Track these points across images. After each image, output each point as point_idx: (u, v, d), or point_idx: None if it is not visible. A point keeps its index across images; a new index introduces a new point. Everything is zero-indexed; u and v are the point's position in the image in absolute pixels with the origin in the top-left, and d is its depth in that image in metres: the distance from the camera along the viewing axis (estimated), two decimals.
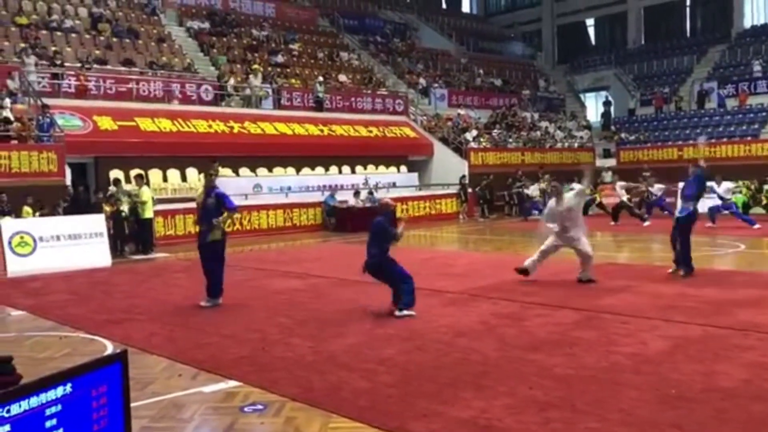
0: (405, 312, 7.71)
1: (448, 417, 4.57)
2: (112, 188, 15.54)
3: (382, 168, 24.37)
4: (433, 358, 6.00)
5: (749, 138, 26.37)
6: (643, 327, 6.94)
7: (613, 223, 19.11)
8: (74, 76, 19.18)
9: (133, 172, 17.81)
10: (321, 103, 24.34)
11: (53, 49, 20.15)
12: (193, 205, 10.71)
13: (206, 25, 26.67)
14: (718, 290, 8.87)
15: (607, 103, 34.79)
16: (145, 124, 19.31)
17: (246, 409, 4.89)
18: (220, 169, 18.85)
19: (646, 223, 18.47)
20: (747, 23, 36.66)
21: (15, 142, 15.69)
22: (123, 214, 15.06)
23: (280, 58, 26.30)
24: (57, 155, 15.74)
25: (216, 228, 8.80)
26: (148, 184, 16.72)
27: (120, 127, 18.68)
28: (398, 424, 4.47)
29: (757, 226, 16.53)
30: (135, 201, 15.03)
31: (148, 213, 15.05)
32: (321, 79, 25.27)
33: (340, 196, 20.29)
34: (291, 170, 22.15)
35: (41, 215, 14.30)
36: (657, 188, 19.92)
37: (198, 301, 8.79)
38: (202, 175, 18.73)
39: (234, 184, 19.53)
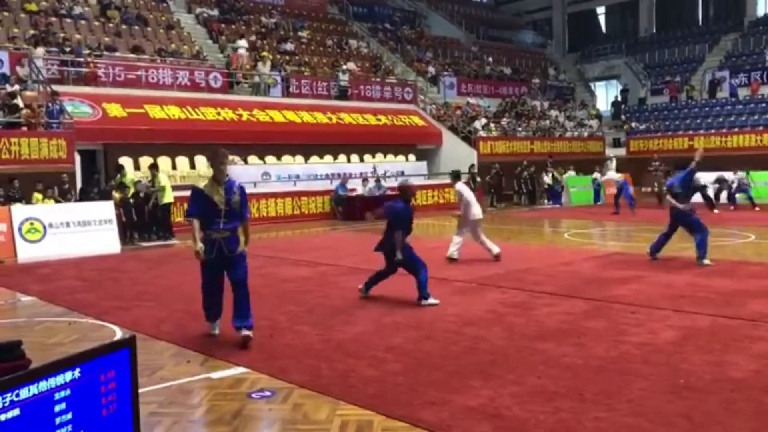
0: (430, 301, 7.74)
1: (456, 405, 4.56)
2: (128, 176, 15.59)
3: (390, 156, 24.33)
4: (442, 347, 6.00)
5: (761, 128, 26.17)
6: (653, 317, 6.91)
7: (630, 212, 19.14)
8: (83, 63, 19.20)
9: (143, 160, 17.89)
10: (345, 92, 24.50)
11: (62, 35, 20.16)
12: None
13: (215, 12, 26.62)
14: (729, 281, 8.82)
15: (625, 91, 34.61)
16: (154, 112, 19.34)
17: (254, 395, 4.91)
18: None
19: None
20: (760, 12, 36.28)
21: (25, 128, 15.74)
22: (131, 201, 15.13)
23: (289, 46, 26.23)
24: (66, 142, 15.78)
25: (243, 238, 6.44)
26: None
27: (129, 114, 18.72)
28: (406, 412, 4.47)
29: (716, 211, 17.95)
30: (151, 190, 15.07)
31: (167, 198, 15.12)
32: (344, 67, 25.24)
33: (349, 185, 20.25)
34: (299, 158, 22.14)
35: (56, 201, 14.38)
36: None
37: None
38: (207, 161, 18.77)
39: (242, 172, 19.57)
